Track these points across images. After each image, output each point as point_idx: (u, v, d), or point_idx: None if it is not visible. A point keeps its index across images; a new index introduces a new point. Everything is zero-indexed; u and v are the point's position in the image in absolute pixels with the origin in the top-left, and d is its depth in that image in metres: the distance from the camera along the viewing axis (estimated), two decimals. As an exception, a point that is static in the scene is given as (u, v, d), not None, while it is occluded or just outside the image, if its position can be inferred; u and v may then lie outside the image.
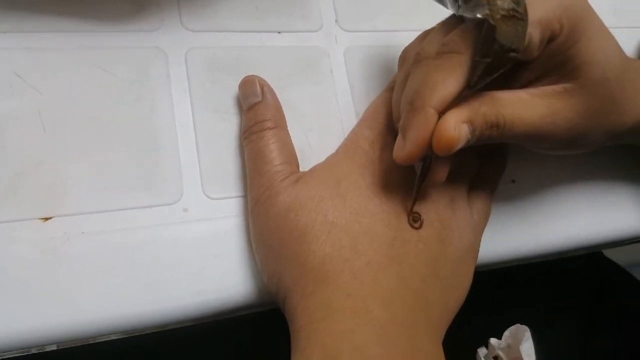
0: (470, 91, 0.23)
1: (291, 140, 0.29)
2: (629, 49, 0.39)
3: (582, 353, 0.44)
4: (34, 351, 0.26)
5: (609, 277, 0.50)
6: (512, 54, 0.22)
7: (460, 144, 0.23)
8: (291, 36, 0.33)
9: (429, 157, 0.25)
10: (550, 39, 0.24)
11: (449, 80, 0.23)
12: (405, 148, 0.24)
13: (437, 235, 0.26)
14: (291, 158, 0.28)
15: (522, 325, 0.29)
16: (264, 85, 0.29)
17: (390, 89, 0.30)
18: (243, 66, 0.31)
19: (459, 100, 0.23)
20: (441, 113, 0.23)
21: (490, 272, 0.32)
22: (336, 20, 0.34)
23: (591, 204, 0.35)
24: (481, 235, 0.29)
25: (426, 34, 0.28)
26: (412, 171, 0.27)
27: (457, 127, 0.23)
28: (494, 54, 0.22)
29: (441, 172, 0.25)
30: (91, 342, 0.27)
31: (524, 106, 0.25)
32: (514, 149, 0.33)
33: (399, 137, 0.25)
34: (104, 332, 0.26)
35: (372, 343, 0.23)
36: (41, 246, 0.25)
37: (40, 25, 0.28)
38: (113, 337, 0.27)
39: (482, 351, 0.32)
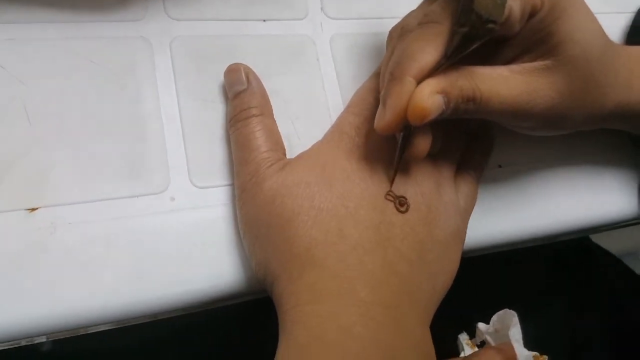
0: (448, 62, 0.23)
1: (277, 128, 0.29)
2: (614, 34, 0.39)
3: (570, 337, 0.44)
4: (23, 343, 0.26)
5: (599, 263, 0.50)
6: (490, 25, 0.22)
7: (433, 114, 0.23)
8: (277, 24, 0.33)
9: (409, 127, 0.25)
10: (531, 13, 0.24)
11: (428, 49, 0.23)
12: (384, 117, 0.24)
13: (424, 218, 0.26)
14: (277, 145, 0.28)
15: (510, 310, 0.29)
16: (249, 73, 0.29)
17: (377, 75, 0.30)
18: (228, 55, 0.31)
19: (437, 70, 0.23)
20: (420, 82, 0.23)
21: (478, 256, 0.32)
22: (322, 8, 0.34)
23: (578, 188, 0.35)
24: (468, 220, 0.30)
25: (412, 11, 0.28)
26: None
27: (430, 97, 0.23)
28: (471, 23, 0.22)
29: (421, 144, 0.25)
30: (81, 334, 0.27)
31: (503, 82, 0.25)
32: (500, 133, 0.33)
33: (380, 106, 0.25)
34: (92, 323, 0.26)
35: (357, 324, 0.23)
36: (28, 237, 0.25)
37: (23, 16, 0.28)
38: (103, 328, 0.27)
39: (462, 337, 0.32)
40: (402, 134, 0.25)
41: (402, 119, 0.23)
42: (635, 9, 0.40)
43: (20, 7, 0.28)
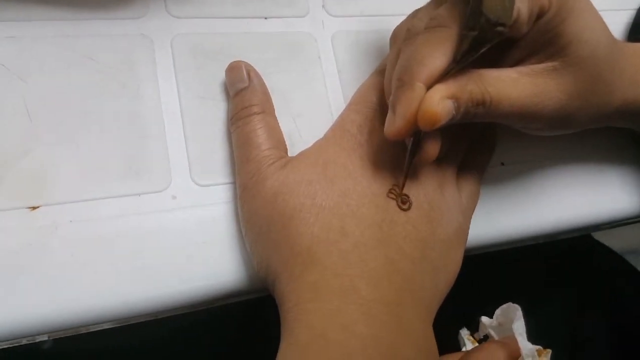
0: (457, 66, 0.23)
1: (279, 125, 0.29)
2: (615, 31, 0.39)
3: (572, 335, 0.44)
4: (24, 342, 0.26)
5: (602, 261, 0.50)
6: (499, 28, 0.22)
7: (443, 120, 0.23)
8: (278, 22, 0.32)
9: (418, 132, 0.25)
10: (538, 14, 0.24)
11: (436, 54, 0.23)
12: (395, 123, 0.24)
13: (426, 217, 0.26)
14: (279, 143, 0.28)
15: (514, 304, 0.29)
16: (250, 70, 0.29)
17: (378, 72, 0.30)
18: (229, 52, 0.31)
19: (446, 75, 0.23)
20: (429, 87, 0.23)
21: (480, 254, 0.32)
22: (323, 6, 0.34)
23: (581, 185, 0.35)
24: (470, 218, 0.30)
25: (417, 12, 0.28)
26: (400, 154, 0.27)
27: (440, 103, 0.23)
28: (480, 27, 0.22)
29: (431, 149, 0.25)
30: (83, 332, 0.27)
31: (512, 85, 0.25)
32: (503, 131, 0.33)
33: (389, 112, 0.24)
34: (94, 321, 0.26)
35: (359, 322, 0.23)
36: (29, 235, 0.25)
37: (23, 13, 0.28)
38: (105, 327, 0.27)
39: (463, 332, 0.32)
40: (411, 139, 0.25)
41: (413, 125, 0.23)
42: (636, 6, 0.40)
43: (21, 4, 0.28)
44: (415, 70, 0.23)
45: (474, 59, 0.23)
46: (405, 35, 0.25)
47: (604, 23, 0.26)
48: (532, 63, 0.26)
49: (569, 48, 0.25)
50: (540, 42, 0.25)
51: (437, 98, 0.23)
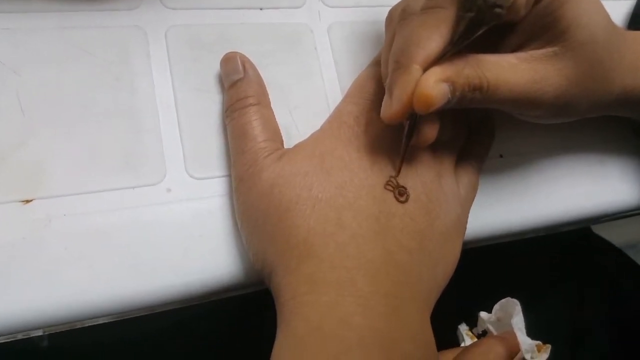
0: (454, 48, 0.23)
1: (274, 117, 0.29)
2: (615, 22, 0.38)
3: (571, 329, 0.44)
4: (19, 337, 0.26)
5: (601, 255, 0.50)
6: (497, 10, 0.21)
7: (438, 103, 0.23)
8: (274, 12, 0.32)
9: (415, 116, 0.24)
10: None
11: (434, 36, 0.23)
12: (391, 107, 0.23)
13: (424, 208, 0.26)
14: (275, 135, 0.28)
15: (513, 299, 0.29)
16: (245, 61, 0.29)
17: (375, 63, 0.30)
18: (225, 44, 0.30)
19: (443, 57, 0.23)
20: (426, 70, 0.23)
21: (478, 247, 0.32)
22: (319, -4, 0.34)
23: (580, 177, 0.34)
24: (469, 210, 0.29)
25: None
26: (398, 145, 0.26)
27: (436, 86, 0.22)
28: (477, 8, 0.21)
29: (428, 132, 0.25)
30: (78, 327, 0.26)
31: (510, 70, 0.24)
32: (501, 123, 0.33)
33: (386, 96, 0.24)
34: (89, 316, 0.26)
35: (356, 314, 0.22)
36: (23, 229, 0.25)
37: (16, 5, 0.28)
38: (99, 321, 0.27)
39: (462, 327, 0.32)
40: (408, 122, 0.25)
41: (409, 108, 0.23)
42: (636, -3, 0.40)
43: (13, -4, 0.28)
44: (413, 52, 0.23)
45: (471, 43, 0.23)
46: (401, 16, 0.25)
47: (603, 8, 0.26)
48: (531, 49, 0.25)
49: (568, 33, 0.25)
50: (538, 26, 0.25)
51: (433, 81, 0.22)
